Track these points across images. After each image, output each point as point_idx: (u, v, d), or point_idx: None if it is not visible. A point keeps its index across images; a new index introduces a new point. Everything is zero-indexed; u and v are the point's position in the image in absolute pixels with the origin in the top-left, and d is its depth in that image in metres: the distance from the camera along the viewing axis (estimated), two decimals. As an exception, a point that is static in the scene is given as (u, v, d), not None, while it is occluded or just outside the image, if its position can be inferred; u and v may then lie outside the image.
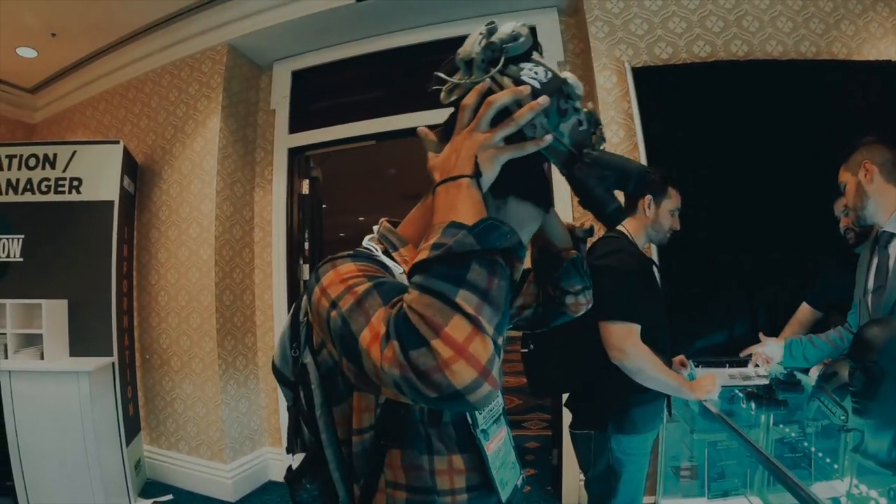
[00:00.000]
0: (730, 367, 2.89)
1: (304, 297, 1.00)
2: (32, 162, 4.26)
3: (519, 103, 0.86)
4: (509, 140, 0.88)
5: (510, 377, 7.40)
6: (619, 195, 0.95)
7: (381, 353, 0.71)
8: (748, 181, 3.31)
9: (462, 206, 0.81)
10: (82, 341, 4.07)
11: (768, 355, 2.60)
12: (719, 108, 3.38)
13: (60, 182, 4.23)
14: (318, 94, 4.79)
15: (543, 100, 0.85)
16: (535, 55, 0.92)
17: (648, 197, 2.42)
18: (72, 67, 5.51)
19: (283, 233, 4.77)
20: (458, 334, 0.68)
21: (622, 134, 3.55)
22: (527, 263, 1.29)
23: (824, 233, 2.91)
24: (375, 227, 1.13)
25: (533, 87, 0.87)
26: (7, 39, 4.86)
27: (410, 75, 4.37)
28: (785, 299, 3.13)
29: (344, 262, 0.93)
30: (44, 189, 4.23)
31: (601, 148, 0.93)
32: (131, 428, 4.36)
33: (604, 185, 0.90)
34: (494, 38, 0.89)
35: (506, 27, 0.90)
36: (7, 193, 4.24)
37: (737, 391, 2.62)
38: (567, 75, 0.91)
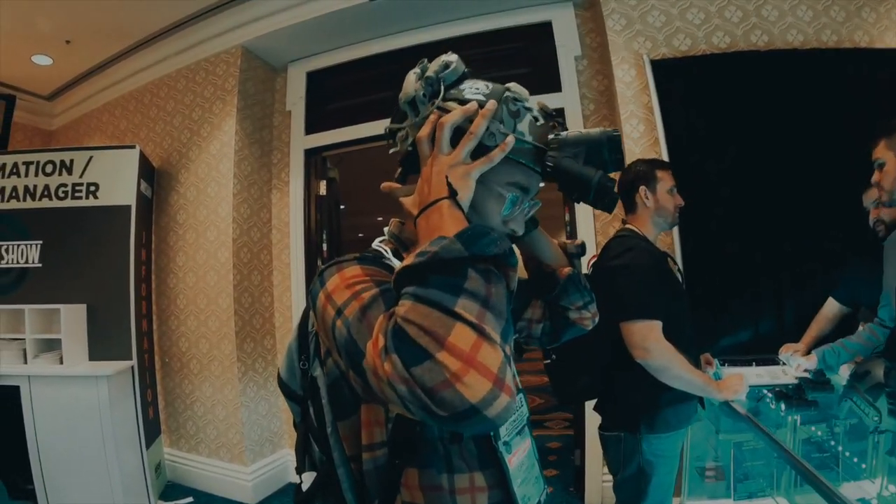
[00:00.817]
0: (757, 365, 2.81)
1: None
2: (49, 168, 4.28)
3: (470, 120, 0.88)
4: (475, 156, 0.89)
5: (531, 376, 7.36)
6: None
7: (383, 368, 0.66)
8: (771, 174, 3.22)
9: (447, 225, 0.79)
10: (101, 345, 4.08)
11: (804, 367, 2.57)
12: (740, 100, 3.29)
13: (77, 187, 4.24)
14: (334, 95, 4.78)
15: (492, 104, 0.88)
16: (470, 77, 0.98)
17: (642, 188, 2.37)
18: (87, 74, 5.55)
19: (301, 234, 4.76)
20: (463, 344, 0.64)
21: (642, 128, 3.48)
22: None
23: (851, 225, 2.86)
24: (386, 228, 1.11)
25: (478, 100, 0.91)
26: (22, 48, 4.91)
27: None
28: (811, 294, 3.03)
29: (350, 266, 0.90)
30: (61, 195, 4.24)
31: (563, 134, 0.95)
32: (151, 431, 4.37)
33: (578, 161, 0.93)
34: (429, 73, 0.95)
35: (434, 61, 0.96)
36: (25, 200, 4.26)
37: (765, 391, 2.55)
38: (509, 84, 0.95)
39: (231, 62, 4.56)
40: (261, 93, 4.82)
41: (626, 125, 3.47)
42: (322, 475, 1.01)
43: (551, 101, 3.69)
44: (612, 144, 0.95)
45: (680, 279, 2.44)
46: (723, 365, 2.88)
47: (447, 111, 0.91)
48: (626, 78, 3.52)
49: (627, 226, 2.41)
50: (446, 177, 0.85)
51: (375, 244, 1.06)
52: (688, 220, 2.65)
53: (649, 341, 2.06)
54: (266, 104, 4.90)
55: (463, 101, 0.91)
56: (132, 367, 4.08)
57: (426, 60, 0.97)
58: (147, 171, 4.62)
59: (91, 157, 4.28)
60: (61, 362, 3.86)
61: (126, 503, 3.70)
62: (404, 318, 0.67)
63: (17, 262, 4.17)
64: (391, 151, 1.05)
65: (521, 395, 1.05)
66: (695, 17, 3.46)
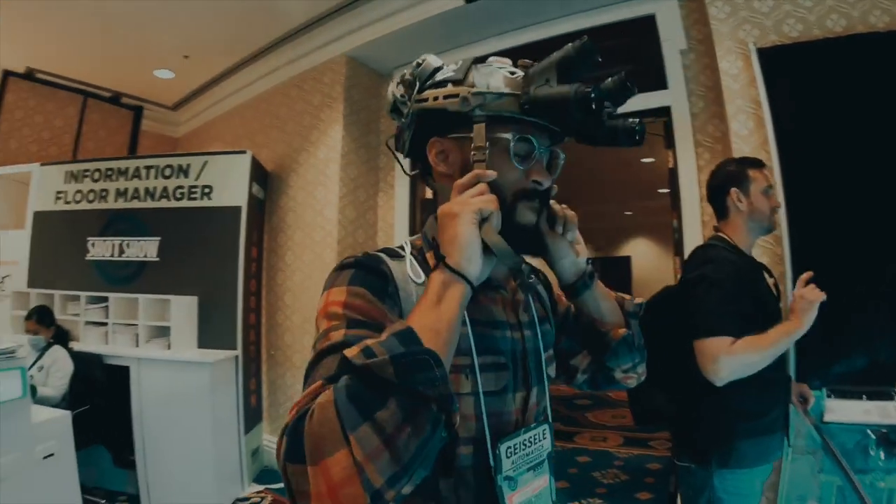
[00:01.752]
0: (868, 399, 2.46)
1: None
2: (168, 172, 4.63)
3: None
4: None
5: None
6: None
7: (280, 437, 0.67)
8: (897, 173, 2.86)
9: (445, 303, 0.79)
10: (210, 335, 4.35)
11: None
12: (860, 89, 2.91)
13: (193, 189, 4.55)
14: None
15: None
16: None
17: (733, 190, 2.13)
18: (206, 85, 6.03)
19: (406, 236, 4.81)
20: (336, 473, 0.62)
21: (751, 125, 3.11)
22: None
23: None
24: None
25: (451, 79, 0.94)
26: (145, 63, 5.45)
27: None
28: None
29: (345, 276, 0.89)
30: (178, 196, 4.58)
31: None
32: (252, 417, 4.61)
33: (551, 85, 0.88)
34: (405, 76, 0.98)
35: (407, 68, 0.99)
36: (146, 200, 4.64)
37: (868, 431, 2.29)
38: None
39: (337, 70, 4.73)
40: (367, 98, 4.95)
41: (734, 122, 3.17)
42: None
43: (657, 99, 3.59)
44: (581, 51, 0.89)
45: (775, 294, 2.20)
46: (828, 397, 2.56)
47: (425, 101, 0.94)
48: (732, 70, 3.20)
49: (718, 234, 2.19)
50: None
51: (407, 240, 1.05)
52: (799, 227, 2.45)
53: (718, 356, 1.84)
54: (372, 109, 5.02)
55: (438, 84, 0.94)
56: (236, 357, 4.33)
57: (404, 73, 1.00)
58: (260, 174, 4.89)
59: (206, 162, 4.59)
60: (169, 348, 4.19)
61: (218, 483, 3.93)
62: (314, 409, 0.66)
63: (137, 256, 4.57)
64: (403, 157, 1.09)
65: (542, 427, 1.00)
66: (805, -1, 3.12)
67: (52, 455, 2.83)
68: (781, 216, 2.75)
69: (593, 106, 0.84)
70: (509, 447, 0.91)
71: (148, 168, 4.69)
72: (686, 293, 1.99)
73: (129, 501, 3.99)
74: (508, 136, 0.91)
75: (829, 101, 2.99)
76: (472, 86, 0.91)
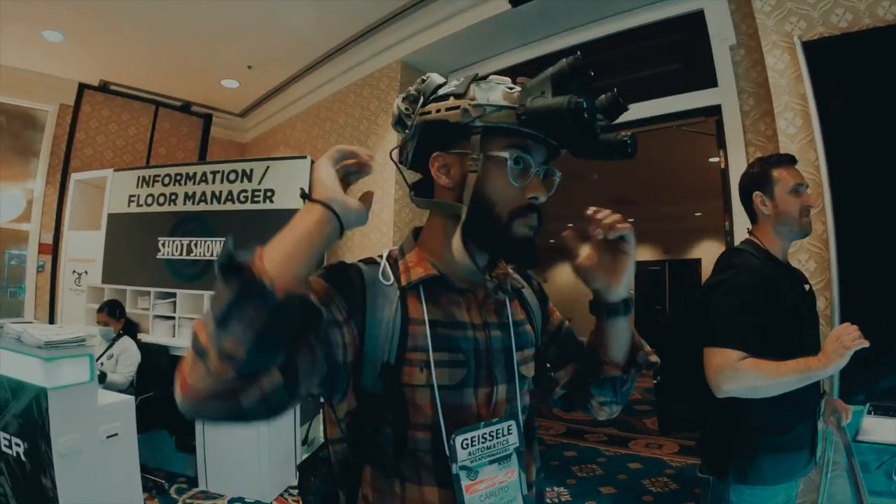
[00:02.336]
0: None
1: None
2: (233, 176, 4.87)
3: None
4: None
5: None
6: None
7: None
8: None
9: (295, 222, 0.87)
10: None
11: None
12: None
13: (256, 193, 4.76)
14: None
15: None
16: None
17: (757, 194, 2.00)
18: (270, 94, 6.32)
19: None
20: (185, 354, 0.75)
21: (799, 122, 2.94)
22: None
23: None
24: None
25: (453, 93, 0.98)
26: (212, 73, 5.80)
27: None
28: None
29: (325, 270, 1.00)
30: (242, 199, 4.80)
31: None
32: (308, 410, 4.71)
33: (546, 97, 0.91)
34: (410, 91, 1.02)
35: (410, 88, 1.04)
36: (212, 203, 4.90)
37: None
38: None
39: (392, 76, 4.87)
40: (422, 103, 5.05)
41: (781, 120, 3.02)
42: (316, 452, 1.13)
43: (707, 98, 3.53)
44: (573, 66, 0.92)
45: (808, 301, 2.03)
46: (869, 413, 2.41)
47: (428, 113, 0.99)
48: (778, 65, 3.04)
49: (749, 238, 2.05)
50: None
51: (387, 249, 1.11)
52: (846, 229, 2.32)
53: (723, 370, 1.74)
54: (427, 114, 5.12)
55: (439, 99, 0.99)
56: (295, 352, 4.48)
57: (410, 88, 1.04)
58: (327, 179, 5.05)
59: (268, 167, 4.79)
60: (230, 340, 4.40)
61: (271, 469, 4.05)
62: None
63: (204, 256, 4.82)
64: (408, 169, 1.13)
65: (507, 423, 1.02)
66: (855, -14, 2.89)
67: (115, 435, 3.03)
68: (828, 217, 2.65)
69: (586, 115, 0.87)
70: (465, 439, 0.95)
71: (214, 173, 4.95)
72: (706, 299, 1.89)
73: (187, 483, 4.21)
74: (505, 154, 0.95)
75: (880, 95, 2.79)
76: (473, 99, 0.95)
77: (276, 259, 0.79)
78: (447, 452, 0.94)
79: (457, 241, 0.98)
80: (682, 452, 5.13)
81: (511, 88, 0.97)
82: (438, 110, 0.98)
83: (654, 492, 4.23)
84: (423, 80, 1.02)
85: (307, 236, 0.84)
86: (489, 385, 1.01)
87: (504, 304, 1.09)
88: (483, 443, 0.97)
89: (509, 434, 1.01)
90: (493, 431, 0.99)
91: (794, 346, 1.77)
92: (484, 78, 1.00)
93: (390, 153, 1.12)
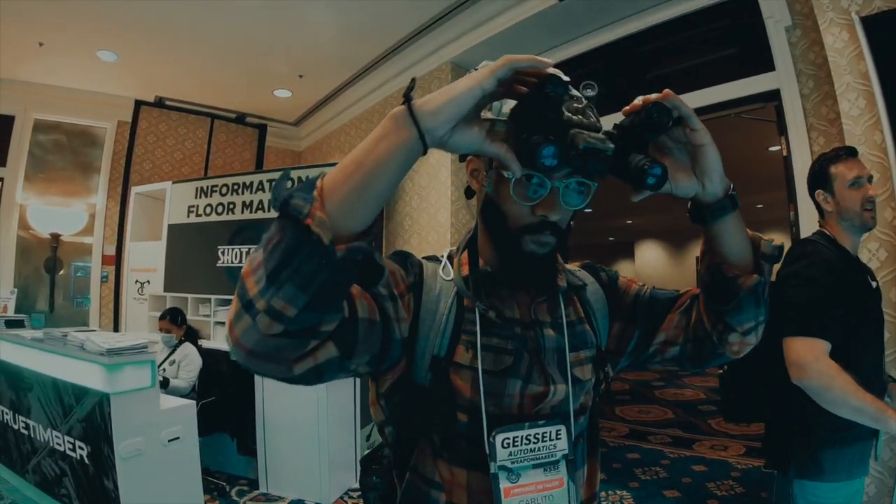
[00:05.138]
0: None
1: None
2: (289, 185, 4.84)
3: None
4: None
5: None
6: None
7: None
8: None
9: (378, 138, 0.75)
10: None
11: None
12: None
13: (306, 199, 4.79)
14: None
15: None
16: None
17: (818, 192, 2.01)
18: (322, 102, 6.42)
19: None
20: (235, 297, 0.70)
21: (863, 104, 2.75)
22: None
23: None
24: None
25: None
26: (264, 85, 5.95)
27: (624, 69, 4.15)
28: None
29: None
30: (292, 206, 4.85)
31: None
32: (369, 413, 4.72)
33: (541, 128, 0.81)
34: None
35: None
36: (269, 211, 4.94)
37: None
38: None
39: (442, 78, 4.87)
40: (476, 104, 5.03)
41: (844, 102, 2.86)
42: (377, 449, 1.18)
43: (764, 83, 3.39)
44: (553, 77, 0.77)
45: (874, 299, 2.00)
46: None
47: None
48: (837, 44, 2.88)
49: (820, 229, 2.04)
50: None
51: (449, 248, 1.11)
52: None
53: (807, 359, 1.72)
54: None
55: None
56: (355, 357, 4.50)
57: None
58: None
59: (322, 174, 4.76)
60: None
61: (330, 473, 4.07)
62: None
63: None
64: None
65: (555, 426, 0.96)
66: (915, -48, 2.69)
67: (177, 438, 3.10)
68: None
69: (546, 162, 0.77)
70: (507, 438, 0.92)
71: (269, 181, 5.01)
72: (778, 287, 1.86)
73: (248, 486, 4.27)
74: (508, 174, 0.87)
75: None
76: (489, 108, 0.92)
77: (341, 196, 0.70)
78: (485, 442, 0.91)
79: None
80: (748, 454, 4.96)
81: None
82: None
83: (720, 495, 4.09)
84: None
85: (381, 157, 0.73)
86: (543, 384, 0.97)
87: (558, 303, 1.05)
88: (527, 444, 0.93)
89: (557, 439, 0.95)
90: (538, 433, 0.94)
91: (859, 348, 1.82)
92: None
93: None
